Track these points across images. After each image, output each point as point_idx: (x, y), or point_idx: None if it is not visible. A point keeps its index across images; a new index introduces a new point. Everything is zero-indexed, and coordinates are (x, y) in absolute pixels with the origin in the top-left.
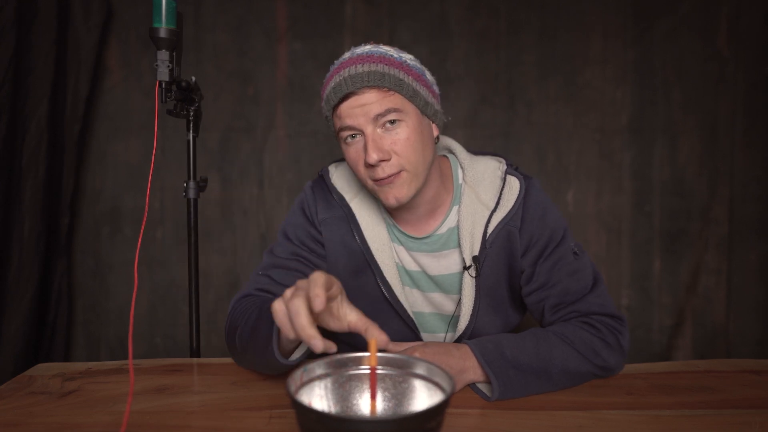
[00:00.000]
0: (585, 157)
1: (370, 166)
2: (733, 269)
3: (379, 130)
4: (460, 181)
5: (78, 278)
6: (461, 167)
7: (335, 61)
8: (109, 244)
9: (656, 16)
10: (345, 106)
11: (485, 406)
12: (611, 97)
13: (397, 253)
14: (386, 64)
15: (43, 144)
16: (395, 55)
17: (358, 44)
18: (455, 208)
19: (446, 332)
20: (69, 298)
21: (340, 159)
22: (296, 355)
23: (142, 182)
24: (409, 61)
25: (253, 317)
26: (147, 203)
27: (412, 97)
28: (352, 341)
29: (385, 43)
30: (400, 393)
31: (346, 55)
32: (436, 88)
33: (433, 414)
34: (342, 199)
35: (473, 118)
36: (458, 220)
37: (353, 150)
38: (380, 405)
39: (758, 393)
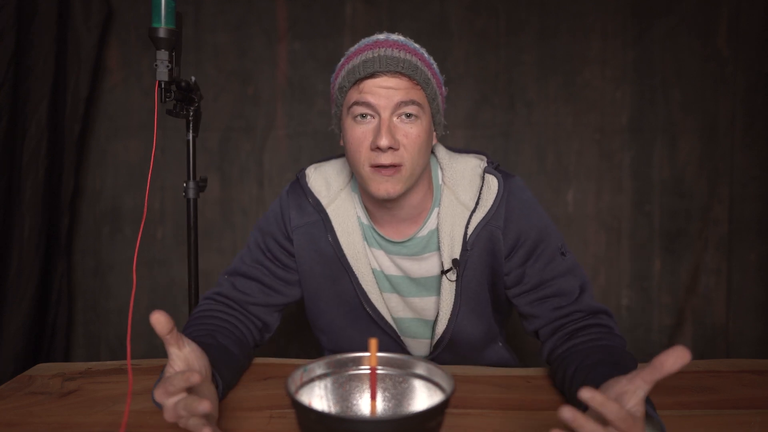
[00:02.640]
0: (585, 157)
1: (376, 150)
2: (733, 269)
3: (395, 119)
4: (440, 182)
5: (78, 278)
6: (440, 168)
7: (366, 39)
8: (109, 244)
9: (656, 16)
10: (371, 83)
11: (485, 406)
12: (611, 97)
13: (375, 258)
14: (420, 60)
15: (43, 144)
16: (426, 55)
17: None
18: (435, 211)
19: (431, 338)
20: (69, 298)
21: (322, 159)
22: None
23: (142, 182)
24: (435, 67)
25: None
26: (146, 203)
27: (432, 99)
28: (336, 348)
29: None
30: (400, 393)
31: (381, 36)
32: (445, 102)
33: (433, 414)
34: (318, 204)
35: (473, 118)
36: (437, 223)
37: (360, 130)
38: (380, 405)
39: (758, 393)
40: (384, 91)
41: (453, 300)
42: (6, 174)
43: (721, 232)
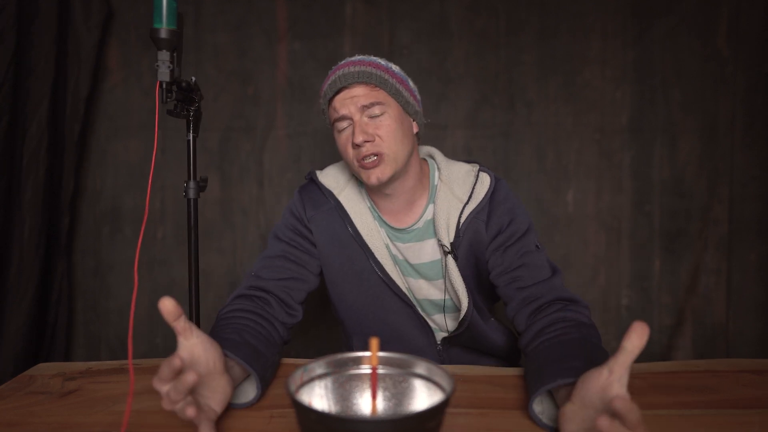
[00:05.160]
0: (585, 156)
1: (356, 147)
2: (733, 269)
3: (365, 118)
4: (437, 181)
5: (78, 278)
6: (438, 169)
7: (333, 67)
8: (110, 244)
9: (656, 16)
10: (338, 98)
11: (485, 406)
12: (611, 97)
13: (384, 237)
14: (374, 67)
15: (44, 144)
16: (382, 62)
17: (358, 44)
18: (431, 206)
19: (443, 313)
20: (69, 298)
21: (322, 169)
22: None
23: (143, 182)
24: (393, 68)
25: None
26: (147, 203)
27: (395, 94)
28: (359, 330)
29: (385, 44)
30: (400, 393)
31: (342, 61)
32: (417, 95)
33: (433, 414)
34: (331, 193)
35: (473, 118)
36: (434, 212)
37: (344, 136)
38: (380, 405)
39: (758, 393)
40: (349, 100)
41: (461, 277)
42: (6, 174)
43: (721, 232)
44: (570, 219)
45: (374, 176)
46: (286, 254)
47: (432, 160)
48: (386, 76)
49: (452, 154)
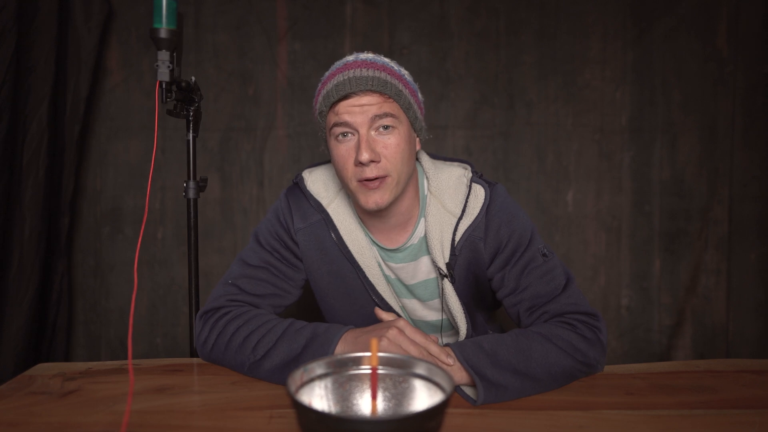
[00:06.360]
0: (584, 157)
1: (359, 165)
2: (732, 269)
3: (372, 133)
4: (426, 192)
5: (78, 278)
6: (426, 177)
7: (337, 62)
8: (110, 244)
9: (655, 17)
10: (345, 104)
11: (485, 406)
12: (611, 97)
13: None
14: (389, 74)
15: (44, 144)
16: (395, 68)
17: (358, 44)
18: (423, 220)
19: (440, 333)
20: (69, 298)
21: (314, 164)
22: None
23: (143, 182)
24: (406, 76)
25: (273, 336)
26: (147, 203)
27: (407, 108)
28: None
29: (385, 44)
30: (400, 393)
31: (350, 57)
32: (423, 106)
33: (433, 414)
34: (319, 205)
35: (473, 118)
36: (426, 230)
37: (344, 148)
38: (380, 405)
39: (758, 393)
40: (358, 109)
41: (459, 300)
42: (6, 174)
43: (721, 232)
44: (570, 219)
45: (373, 200)
46: (268, 266)
47: (419, 165)
48: (400, 86)
49: (452, 155)
